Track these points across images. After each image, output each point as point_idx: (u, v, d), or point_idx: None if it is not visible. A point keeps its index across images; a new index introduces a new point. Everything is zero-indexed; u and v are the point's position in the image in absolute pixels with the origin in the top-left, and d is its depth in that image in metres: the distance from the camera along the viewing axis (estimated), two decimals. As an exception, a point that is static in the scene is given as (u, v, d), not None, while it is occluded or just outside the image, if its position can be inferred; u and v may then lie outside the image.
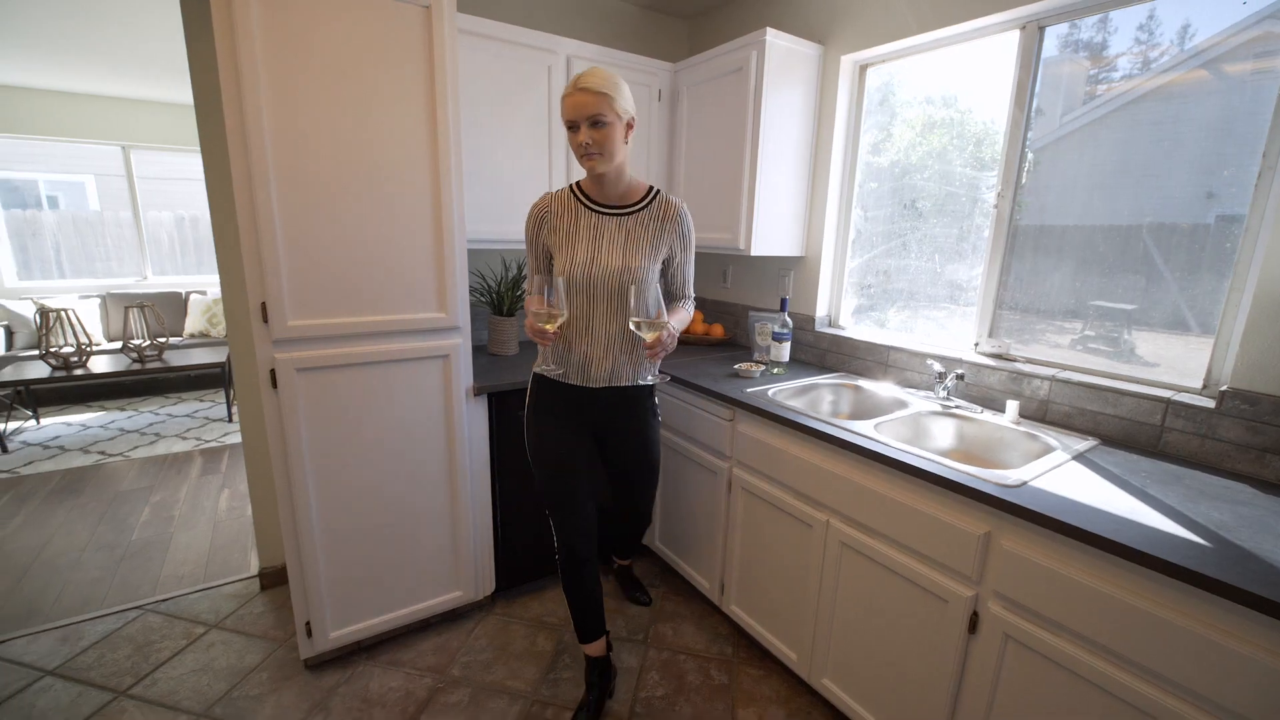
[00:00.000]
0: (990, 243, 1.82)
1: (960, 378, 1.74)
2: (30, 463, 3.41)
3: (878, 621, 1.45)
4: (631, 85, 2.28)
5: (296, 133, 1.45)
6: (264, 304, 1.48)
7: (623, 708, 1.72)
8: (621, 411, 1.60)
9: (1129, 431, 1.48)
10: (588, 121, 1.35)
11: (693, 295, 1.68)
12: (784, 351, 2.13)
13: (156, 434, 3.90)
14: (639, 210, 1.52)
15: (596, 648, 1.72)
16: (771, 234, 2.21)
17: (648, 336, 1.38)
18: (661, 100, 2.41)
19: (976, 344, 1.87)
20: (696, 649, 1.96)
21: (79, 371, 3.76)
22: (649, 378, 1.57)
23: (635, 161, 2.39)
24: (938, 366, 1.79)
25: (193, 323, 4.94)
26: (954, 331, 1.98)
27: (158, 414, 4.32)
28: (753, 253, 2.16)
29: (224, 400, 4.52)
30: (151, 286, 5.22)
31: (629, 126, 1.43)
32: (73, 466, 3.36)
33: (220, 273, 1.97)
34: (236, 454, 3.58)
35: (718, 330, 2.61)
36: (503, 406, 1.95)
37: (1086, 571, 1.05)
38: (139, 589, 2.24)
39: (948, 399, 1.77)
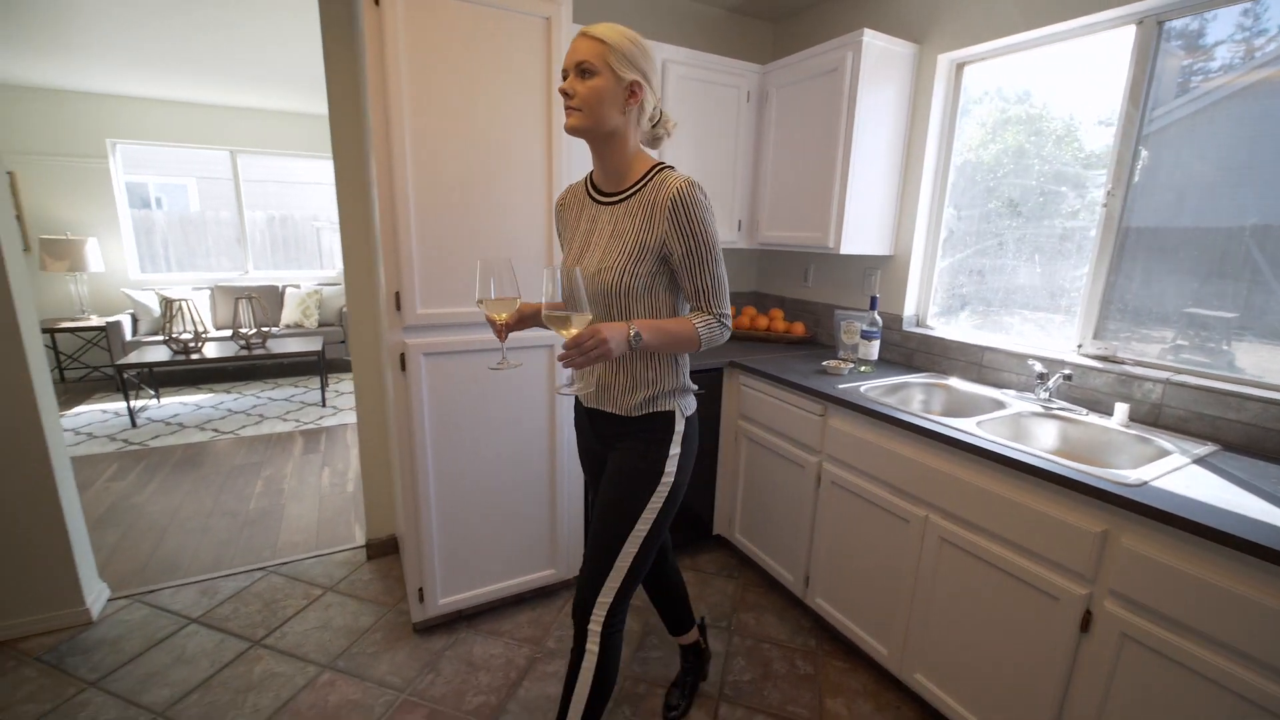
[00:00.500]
0: (1097, 243, 1.78)
1: (1068, 379, 1.71)
2: (156, 437, 3.77)
3: (978, 617, 1.45)
4: (721, 88, 2.37)
5: (430, 138, 1.59)
6: (398, 293, 1.63)
7: (712, 689, 1.78)
8: (610, 442, 1.33)
9: (1254, 437, 1.43)
10: (576, 69, 1.13)
11: (723, 311, 1.22)
12: (873, 350, 2.14)
13: (260, 415, 4.23)
14: (630, 196, 1.21)
15: (683, 638, 1.72)
16: (861, 233, 2.22)
17: (563, 333, 1.10)
18: (750, 102, 2.46)
19: (1080, 346, 1.83)
20: (780, 639, 2.00)
21: (195, 356, 4.13)
22: (563, 388, 1.25)
23: (720, 163, 2.45)
24: (1039, 367, 1.77)
25: (288, 314, 5.32)
26: (1052, 333, 1.94)
27: (259, 397, 4.69)
28: (842, 251, 2.18)
29: (318, 386, 4.85)
30: (252, 280, 5.65)
31: (631, 93, 1.15)
32: (191, 442, 3.71)
33: (345, 265, 2.15)
34: (333, 436, 3.85)
35: (798, 328, 2.63)
36: (598, 395, 2.05)
37: (1216, 571, 1.04)
38: (260, 553, 2.46)
39: (1049, 400, 1.75)
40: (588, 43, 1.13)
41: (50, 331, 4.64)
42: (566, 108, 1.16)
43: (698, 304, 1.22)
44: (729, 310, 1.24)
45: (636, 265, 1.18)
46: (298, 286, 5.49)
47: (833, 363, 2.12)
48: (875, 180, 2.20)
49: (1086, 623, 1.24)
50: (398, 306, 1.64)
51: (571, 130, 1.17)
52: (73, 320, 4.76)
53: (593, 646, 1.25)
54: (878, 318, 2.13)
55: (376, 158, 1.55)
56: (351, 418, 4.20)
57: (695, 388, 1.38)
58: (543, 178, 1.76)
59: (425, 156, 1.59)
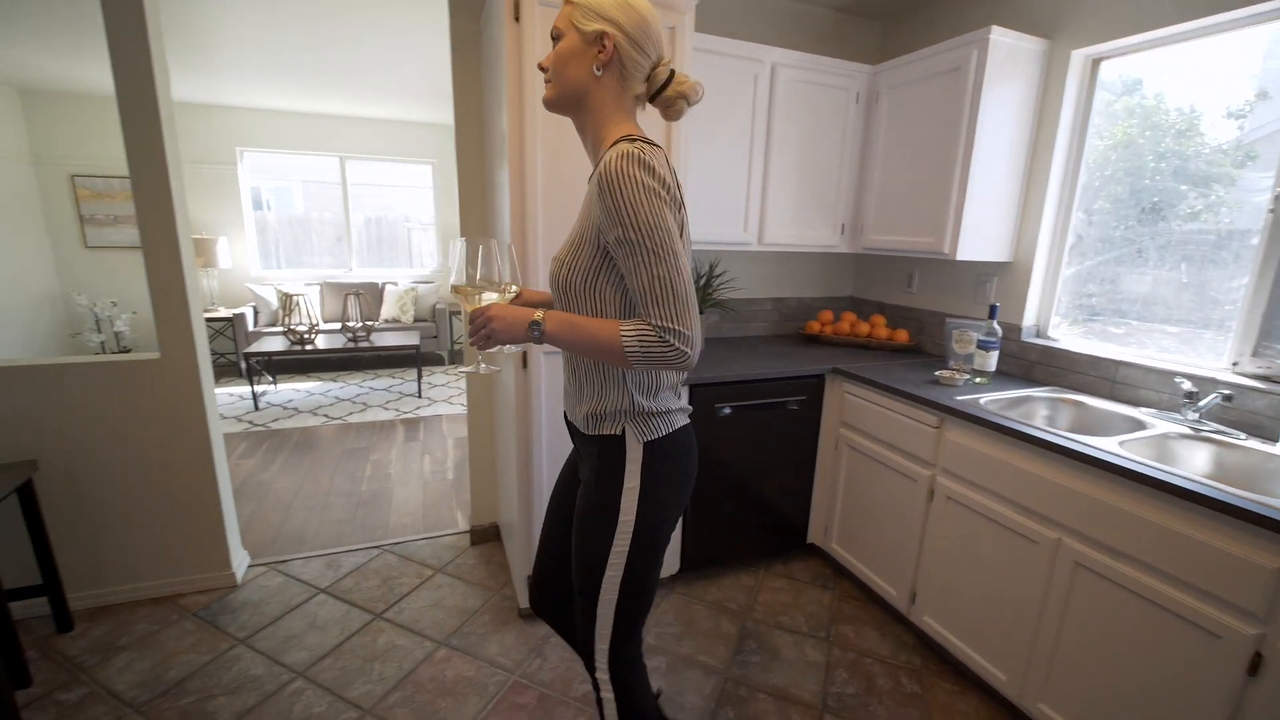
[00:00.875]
0: (1261, 251, 1.63)
1: (1228, 399, 1.58)
2: (276, 420, 4.12)
3: (1118, 648, 1.37)
4: (829, 90, 2.34)
5: (557, 147, 1.66)
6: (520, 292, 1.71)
7: (814, 699, 1.77)
8: (582, 457, 1.16)
9: None
10: (553, 39, 1.03)
11: (666, 323, 0.91)
12: (990, 361, 2.05)
13: (364, 403, 4.54)
14: (592, 175, 1.01)
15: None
16: (978, 238, 2.13)
17: (466, 309, 0.99)
18: (859, 103, 2.41)
19: (1235, 364, 1.68)
20: (882, 654, 1.95)
21: (309, 347, 4.48)
22: (481, 367, 1.13)
23: (825, 166, 2.42)
24: (1188, 386, 1.64)
25: (388, 309, 5.67)
26: (1200, 348, 1.79)
27: (361, 386, 5.02)
28: (958, 257, 2.10)
29: (414, 378, 5.15)
30: (355, 277, 6.06)
31: (599, 49, 0.98)
32: (306, 426, 4.02)
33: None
34: (430, 425, 4.07)
35: (901, 336, 2.55)
36: (699, 398, 2.07)
37: None
38: (374, 532, 2.65)
39: (1199, 422, 1.62)
40: (562, 9, 1.01)
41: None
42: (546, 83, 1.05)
43: (643, 308, 0.93)
44: (682, 324, 0.91)
45: (575, 258, 1.00)
46: (395, 284, 5.84)
47: (945, 373, 2.05)
48: (996, 183, 2.10)
49: (1255, 666, 1.14)
50: (522, 307, 1.72)
51: (546, 104, 1.06)
52: (205, 311, 5.27)
53: (607, 694, 1.13)
54: (997, 327, 2.04)
55: (510, 163, 1.64)
56: (446, 409, 4.43)
57: (675, 407, 1.09)
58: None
59: (551, 161, 1.66)
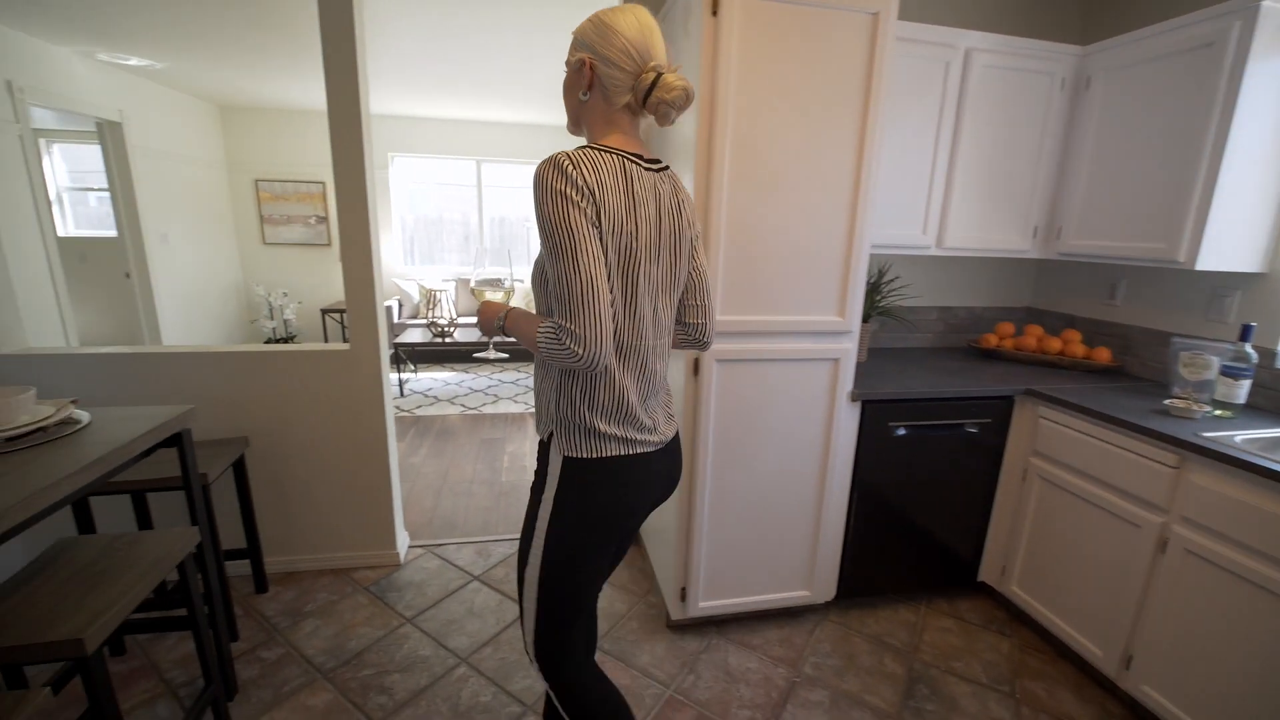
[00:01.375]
0: None
1: None
2: (419, 406, 4.41)
3: None
4: (1027, 75, 2.08)
5: (748, 145, 1.58)
6: (700, 299, 1.65)
7: (1008, 763, 1.57)
8: None
9: None
10: None
11: (562, 322, 0.94)
12: (1239, 391, 1.72)
13: (495, 395, 4.75)
14: None
15: None
16: (1225, 244, 1.79)
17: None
18: (1063, 89, 2.12)
19: None
20: (1084, 722, 1.70)
21: (449, 339, 4.75)
22: (490, 351, 1.36)
23: (1018, 162, 2.15)
24: None
25: (515, 304, 5.91)
26: None
27: (491, 378, 5.27)
28: (1197, 266, 1.78)
29: (537, 373, 5.33)
30: (486, 275, 6.36)
31: (581, 74, 1.02)
32: (446, 414, 4.26)
33: (621, 268, 2.27)
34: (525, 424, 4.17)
35: (1102, 354, 2.23)
36: (873, 415, 1.91)
37: None
38: (516, 523, 2.72)
39: None
40: None
41: (341, 312, 5.68)
42: None
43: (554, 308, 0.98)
44: (574, 324, 0.92)
45: (540, 256, 1.04)
46: (522, 281, 6.07)
47: (1177, 402, 1.74)
48: (1253, 179, 1.76)
49: None
50: (699, 312, 1.66)
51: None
52: (357, 303, 5.76)
53: (544, 685, 1.17)
54: (1250, 351, 1.71)
55: (696, 165, 1.58)
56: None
57: (610, 432, 1.02)
58: (849, 185, 1.67)
59: (741, 166, 1.59)
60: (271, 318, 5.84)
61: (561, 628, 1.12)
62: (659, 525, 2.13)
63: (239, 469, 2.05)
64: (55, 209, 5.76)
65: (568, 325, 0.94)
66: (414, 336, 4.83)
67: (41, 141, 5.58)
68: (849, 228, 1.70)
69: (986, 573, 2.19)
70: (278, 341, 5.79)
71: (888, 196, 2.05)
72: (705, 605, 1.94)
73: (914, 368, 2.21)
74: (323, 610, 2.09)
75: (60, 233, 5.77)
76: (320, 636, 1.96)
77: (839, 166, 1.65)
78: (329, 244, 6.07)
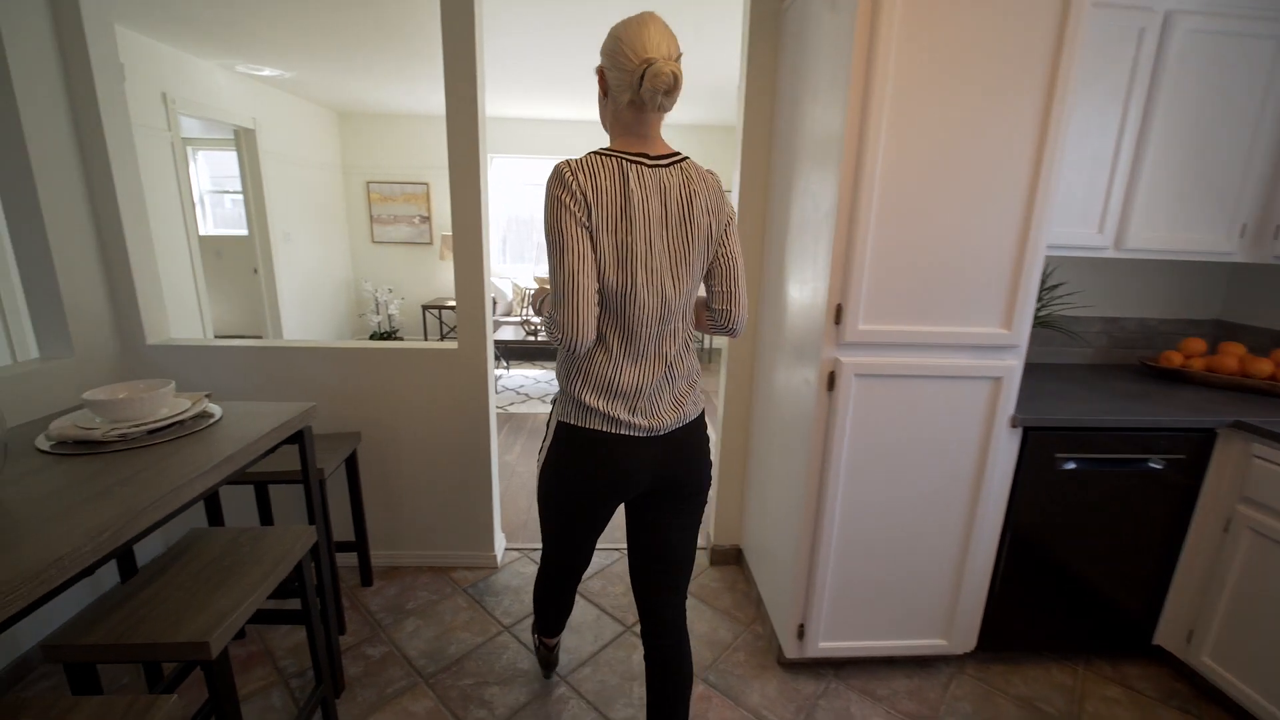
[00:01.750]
0: None
1: None
2: (511, 404, 4.45)
3: None
4: (1245, 39, 1.72)
5: (906, 130, 1.37)
6: (839, 306, 1.46)
7: None
8: None
9: None
10: None
11: (548, 311, 1.19)
12: None
13: (584, 396, 4.72)
14: None
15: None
16: None
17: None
18: (1292, 57, 1.74)
19: None
20: (1320, 843, 1.36)
21: (541, 336, 4.77)
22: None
23: (1224, 147, 1.78)
24: None
25: (604, 305, 5.89)
26: None
27: (579, 378, 5.26)
28: None
29: (625, 374, 5.26)
30: (576, 273, 6.40)
31: (599, 83, 1.15)
32: (537, 412, 4.27)
33: (736, 269, 2.12)
34: (647, 425, 4.06)
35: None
36: (1036, 444, 1.64)
37: None
38: (611, 530, 2.63)
39: None
40: None
41: (440, 308, 5.88)
42: None
43: None
44: (555, 312, 1.10)
45: None
46: (612, 280, 6.04)
47: None
48: None
49: None
50: (836, 321, 1.47)
51: None
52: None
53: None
54: None
55: (845, 157, 1.39)
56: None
57: (591, 404, 1.15)
58: (1025, 174, 1.42)
59: (894, 160, 1.38)
60: (377, 312, 6.15)
61: (551, 570, 1.44)
62: (769, 547, 1.96)
63: (351, 464, 2.08)
64: (198, 210, 6.35)
65: (555, 315, 1.10)
66: (507, 334, 4.89)
67: (189, 149, 6.17)
68: (1023, 224, 1.44)
69: (1165, 636, 1.84)
70: (382, 336, 6.09)
71: (1064, 186, 1.76)
72: (826, 646, 1.75)
73: (1078, 388, 1.90)
74: (423, 610, 2.08)
75: (201, 232, 6.37)
76: (421, 638, 1.94)
77: (1014, 151, 1.41)
78: (430, 243, 6.31)
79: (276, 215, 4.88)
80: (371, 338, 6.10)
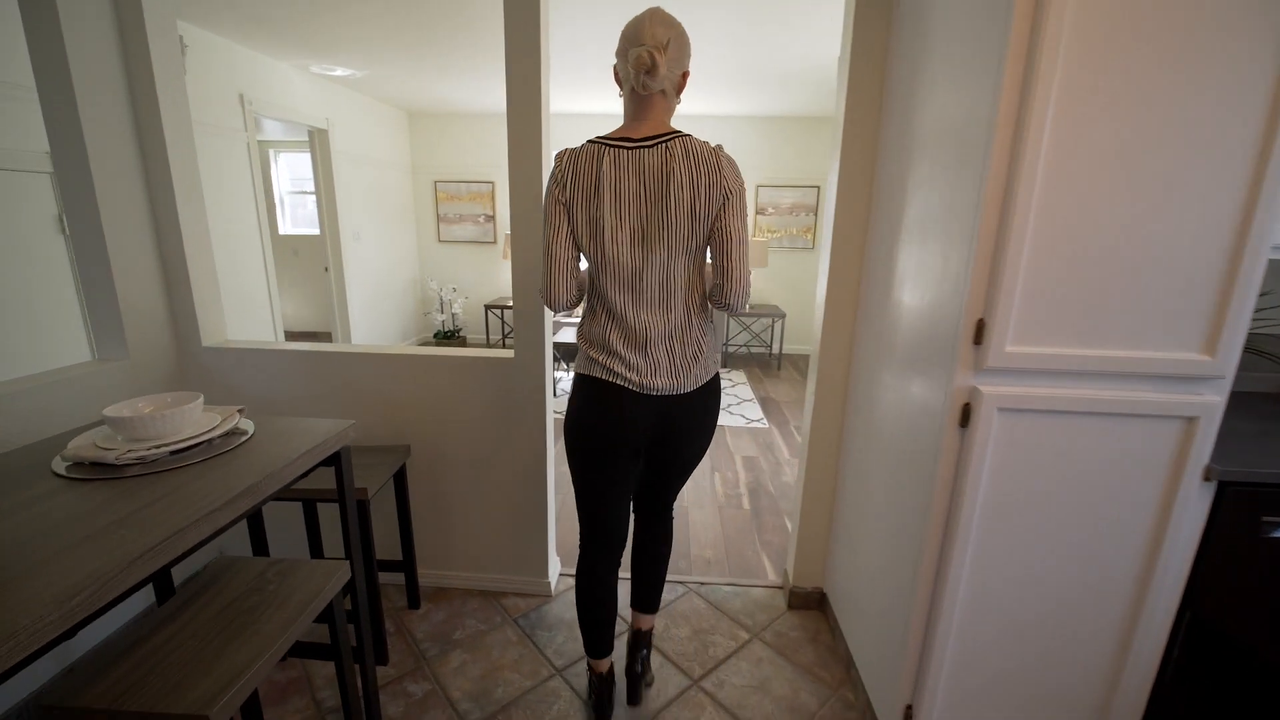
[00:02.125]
0: None
1: None
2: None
3: None
4: None
5: (1075, 115, 1.05)
6: (981, 322, 1.15)
7: None
8: None
9: None
10: None
11: (541, 280, 1.46)
12: None
13: (646, 402, 4.49)
14: None
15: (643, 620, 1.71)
16: None
17: None
18: None
19: None
20: None
21: (602, 341, 4.59)
22: None
23: None
24: None
25: (668, 307, 5.65)
26: None
27: (641, 383, 5.04)
28: None
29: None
30: (639, 273, 6.20)
31: (614, 75, 1.30)
32: (596, 419, 4.08)
33: (829, 277, 1.82)
34: (716, 436, 3.80)
35: None
36: (1234, 503, 1.27)
37: None
38: (676, 563, 2.38)
39: None
40: None
41: (501, 308, 5.81)
42: None
43: None
44: (542, 282, 1.31)
45: None
46: (677, 281, 5.79)
47: None
48: None
49: None
50: (976, 341, 1.17)
51: None
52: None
53: None
54: None
55: (993, 149, 1.08)
56: (726, 418, 4.13)
57: (593, 356, 1.33)
58: (1246, 153, 1.06)
59: (1065, 129, 1.06)
60: (441, 311, 6.17)
61: (585, 517, 1.46)
62: (863, 599, 1.65)
63: (399, 479, 1.93)
64: (279, 210, 6.59)
65: (541, 282, 1.33)
66: (568, 335, 4.74)
67: (270, 151, 6.40)
68: (1240, 219, 1.08)
69: (1403, 757, 1.40)
70: (445, 335, 6.10)
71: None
72: (939, 734, 1.43)
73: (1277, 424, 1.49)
74: (471, 641, 1.91)
75: (281, 231, 6.60)
76: (467, 676, 1.77)
77: (1232, 127, 1.05)
78: (494, 241, 6.27)
79: (347, 214, 4.93)
80: (435, 337, 6.12)
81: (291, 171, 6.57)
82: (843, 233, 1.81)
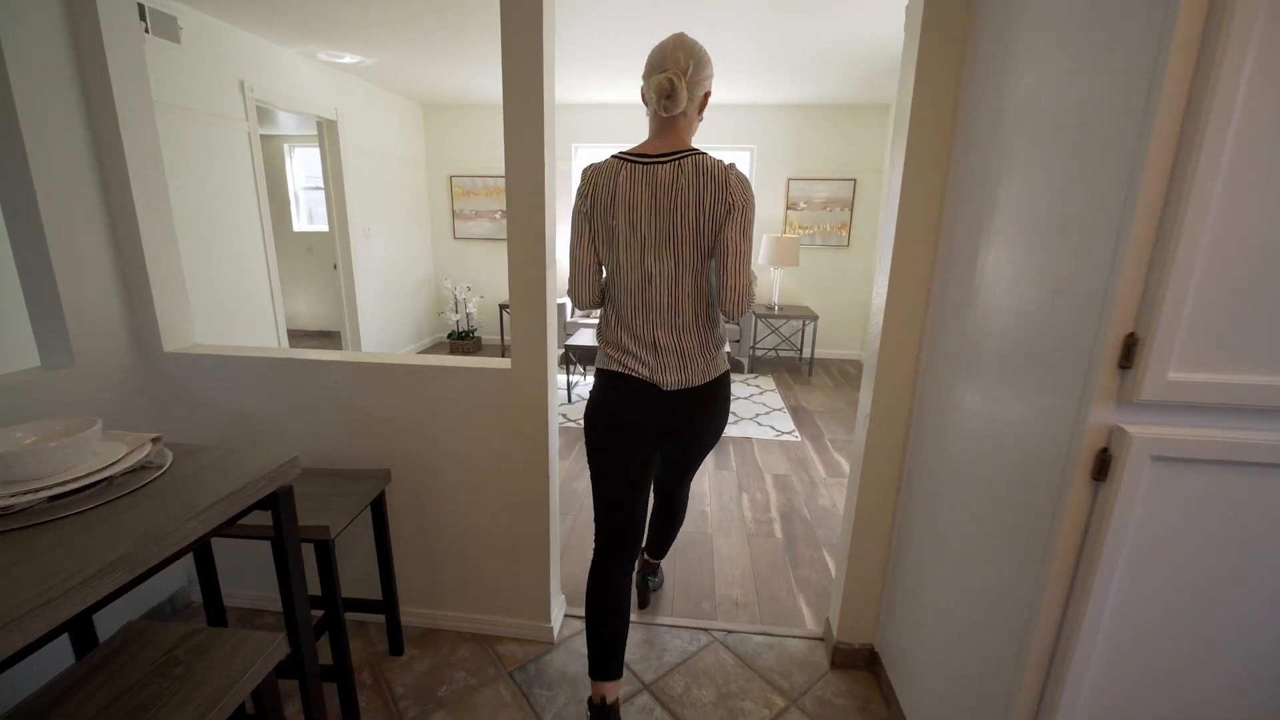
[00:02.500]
0: None
1: None
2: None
3: None
4: None
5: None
6: (1130, 338, 0.83)
7: None
8: None
9: None
10: None
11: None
12: None
13: (667, 411, 4.19)
14: None
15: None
16: None
17: None
18: None
19: None
20: None
21: (621, 344, 4.29)
22: None
23: None
24: None
25: (691, 308, 5.34)
26: None
27: (662, 389, 4.73)
28: None
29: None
30: (662, 272, 5.89)
31: (642, 96, 1.41)
32: (613, 429, 3.79)
33: (890, 278, 1.50)
34: (741, 451, 3.47)
35: None
36: None
37: None
38: (698, 601, 2.08)
39: None
40: None
41: (518, 307, 5.56)
42: None
43: None
44: (568, 283, 1.45)
45: None
46: (701, 280, 5.47)
47: None
48: None
49: None
50: (1124, 364, 0.84)
51: None
52: (533, 299, 5.63)
53: None
54: None
55: (1156, 128, 0.75)
56: (754, 430, 3.80)
57: (609, 354, 1.42)
58: None
59: (1259, 114, 0.73)
60: (456, 310, 5.95)
61: (600, 508, 1.49)
62: (933, 660, 1.33)
63: (378, 508, 1.67)
64: (293, 206, 6.45)
65: (568, 284, 1.46)
66: (586, 338, 4.45)
67: (285, 146, 6.25)
68: None
69: None
70: (459, 335, 5.88)
71: None
72: None
73: None
74: (457, 699, 1.63)
75: (295, 228, 6.46)
76: (450, 746, 1.49)
77: None
78: (511, 239, 6.02)
79: (357, 210, 4.73)
80: (449, 337, 5.91)
81: (306, 168, 6.43)
82: (908, 227, 1.48)
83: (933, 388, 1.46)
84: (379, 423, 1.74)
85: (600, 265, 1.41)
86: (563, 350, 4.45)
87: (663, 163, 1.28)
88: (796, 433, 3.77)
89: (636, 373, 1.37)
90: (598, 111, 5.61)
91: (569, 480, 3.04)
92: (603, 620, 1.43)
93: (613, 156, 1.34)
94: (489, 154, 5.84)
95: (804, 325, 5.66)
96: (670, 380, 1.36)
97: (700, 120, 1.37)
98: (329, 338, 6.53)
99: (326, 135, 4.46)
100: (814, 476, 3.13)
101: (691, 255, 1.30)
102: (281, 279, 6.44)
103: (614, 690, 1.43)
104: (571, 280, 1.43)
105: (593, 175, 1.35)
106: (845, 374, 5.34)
